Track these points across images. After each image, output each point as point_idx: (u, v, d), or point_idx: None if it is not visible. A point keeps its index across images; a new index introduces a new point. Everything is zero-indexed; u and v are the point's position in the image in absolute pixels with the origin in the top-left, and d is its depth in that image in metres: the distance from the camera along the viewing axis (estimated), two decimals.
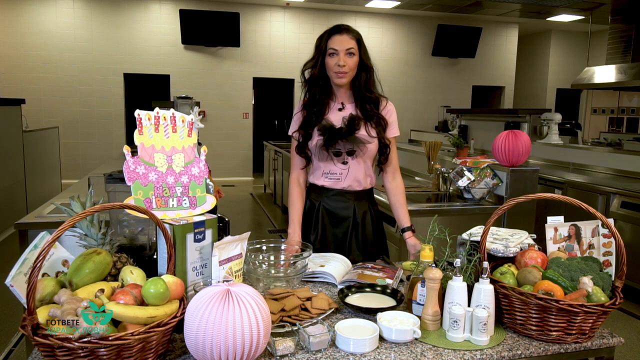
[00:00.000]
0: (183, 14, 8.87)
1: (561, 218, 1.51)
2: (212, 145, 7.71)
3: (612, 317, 3.41)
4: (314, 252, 1.87)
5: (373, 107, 1.89)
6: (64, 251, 1.28)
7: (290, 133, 1.97)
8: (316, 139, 1.88)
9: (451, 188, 3.34)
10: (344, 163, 1.90)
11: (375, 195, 2.12)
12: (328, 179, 1.93)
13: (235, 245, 1.35)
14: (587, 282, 1.25)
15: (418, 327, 1.23)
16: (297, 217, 1.95)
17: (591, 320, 1.23)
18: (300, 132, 1.92)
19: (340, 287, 1.56)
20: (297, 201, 1.98)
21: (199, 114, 1.49)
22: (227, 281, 1.29)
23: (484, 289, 1.25)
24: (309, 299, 1.37)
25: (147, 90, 9.43)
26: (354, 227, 1.96)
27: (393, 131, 1.94)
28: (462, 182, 3.06)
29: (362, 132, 1.86)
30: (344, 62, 1.80)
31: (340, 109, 1.90)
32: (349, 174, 1.91)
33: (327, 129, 1.85)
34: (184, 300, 1.16)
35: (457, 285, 1.25)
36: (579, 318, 1.21)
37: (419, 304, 1.33)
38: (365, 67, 1.86)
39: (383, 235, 2.06)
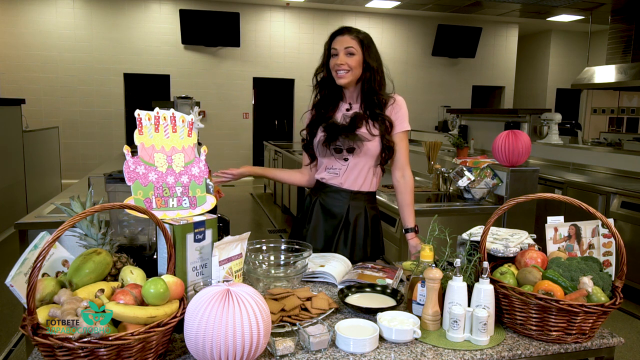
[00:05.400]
0: (183, 14, 8.87)
1: (561, 218, 1.51)
2: (212, 145, 7.68)
3: (612, 317, 3.41)
4: (307, 243, 1.88)
5: (377, 107, 1.89)
6: (64, 251, 1.28)
7: (300, 132, 2.08)
8: (319, 136, 1.94)
9: (451, 188, 3.33)
10: (345, 160, 1.92)
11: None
12: (328, 173, 1.97)
13: (235, 245, 1.35)
14: (587, 282, 1.25)
15: (418, 327, 1.23)
16: (269, 169, 2.23)
17: (591, 320, 1.23)
18: (307, 130, 2.01)
19: (340, 287, 1.56)
20: (286, 170, 2.18)
21: (199, 114, 1.49)
22: (227, 281, 1.29)
23: (484, 289, 1.25)
24: (309, 299, 1.37)
25: (147, 90, 9.42)
26: (344, 226, 1.95)
27: (403, 125, 1.91)
28: (462, 182, 3.06)
29: (362, 130, 1.87)
30: (341, 61, 1.82)
31: (347, 109, 1.94)
32: (347, 170, 1.93)
33: (328, 125, 1.90)
34: (184, 300, 1.16)
35: (457, 285, 1.25)
36: (579, 318, 1.21)
37: (419, 304, 1.33)
38: (369, 67, 1.86)
39: (378, 240, 2.03)
